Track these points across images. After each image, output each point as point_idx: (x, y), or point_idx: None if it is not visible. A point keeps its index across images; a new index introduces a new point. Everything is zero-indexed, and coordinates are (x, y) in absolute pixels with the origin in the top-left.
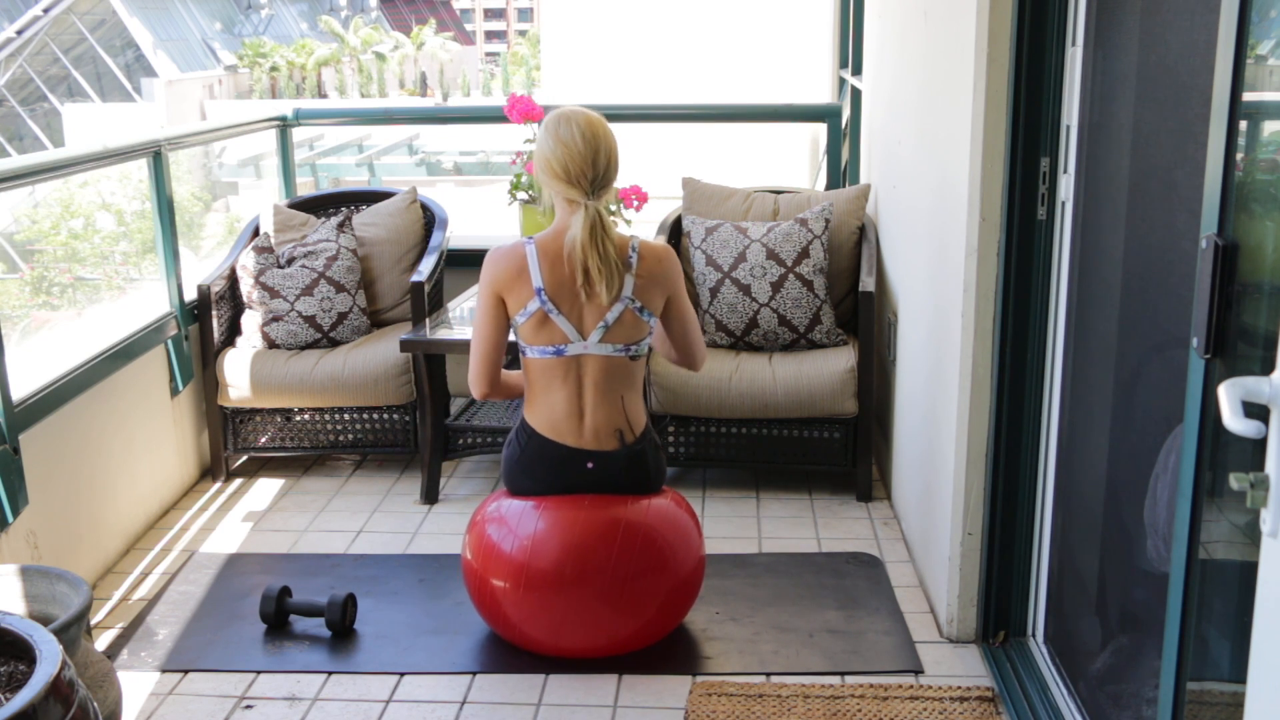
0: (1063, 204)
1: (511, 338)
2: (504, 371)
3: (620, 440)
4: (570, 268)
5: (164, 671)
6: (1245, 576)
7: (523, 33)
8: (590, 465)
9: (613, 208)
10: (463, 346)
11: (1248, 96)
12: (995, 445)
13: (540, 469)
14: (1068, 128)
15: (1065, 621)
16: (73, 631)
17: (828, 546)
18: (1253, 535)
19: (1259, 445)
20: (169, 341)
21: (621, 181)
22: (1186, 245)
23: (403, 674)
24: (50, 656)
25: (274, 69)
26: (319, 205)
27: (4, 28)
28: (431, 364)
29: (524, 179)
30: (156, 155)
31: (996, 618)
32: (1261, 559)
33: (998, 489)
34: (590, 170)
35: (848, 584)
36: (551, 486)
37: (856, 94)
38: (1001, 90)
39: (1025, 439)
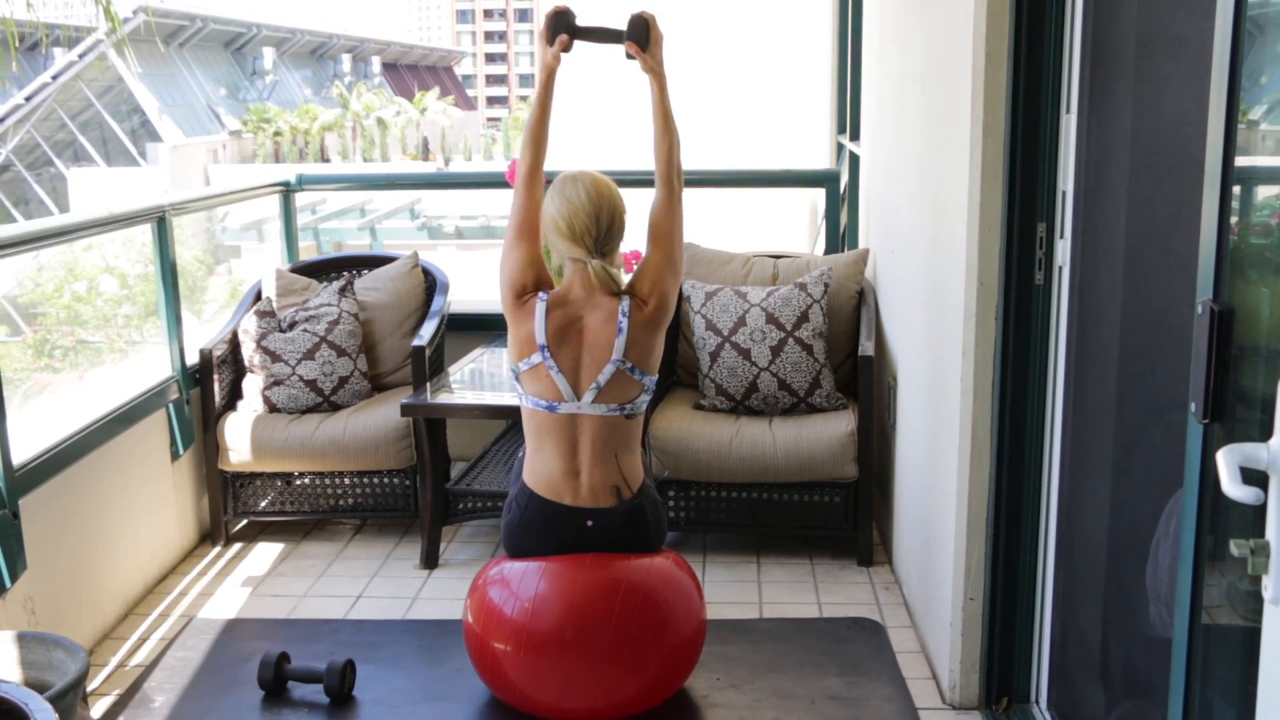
0: (1060, 269)
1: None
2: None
3: (618, 496)
4: (570, 325)
5: None
6: (1249, 642)
7: (524, 98)
8: (590, 524)
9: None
10: (464, 411)
11: (1240, 161)
12: (996, 510)
13: (540, 529)
14: (1064, 193)
15: (1069, 687)
16: (69, 699)
17: (829, 611)
18: (1256, 601)
19: (1259, 510)
20: (170, 405)
21: (622, 246)
22: (1183, 310)
23: None
24: None
25: (277, 134)
26: (321, 269)
27: (13, 94)
28: (432, 428)
29: None
30: (160, 220)
31: (999, 684)
32: (1264, 625)
33: (999, 554)
34: (594, 228)
35: (849, 650)
36: (552, 546)
37: (855, 159)
38: (998, 156)
39: (1026, 503)
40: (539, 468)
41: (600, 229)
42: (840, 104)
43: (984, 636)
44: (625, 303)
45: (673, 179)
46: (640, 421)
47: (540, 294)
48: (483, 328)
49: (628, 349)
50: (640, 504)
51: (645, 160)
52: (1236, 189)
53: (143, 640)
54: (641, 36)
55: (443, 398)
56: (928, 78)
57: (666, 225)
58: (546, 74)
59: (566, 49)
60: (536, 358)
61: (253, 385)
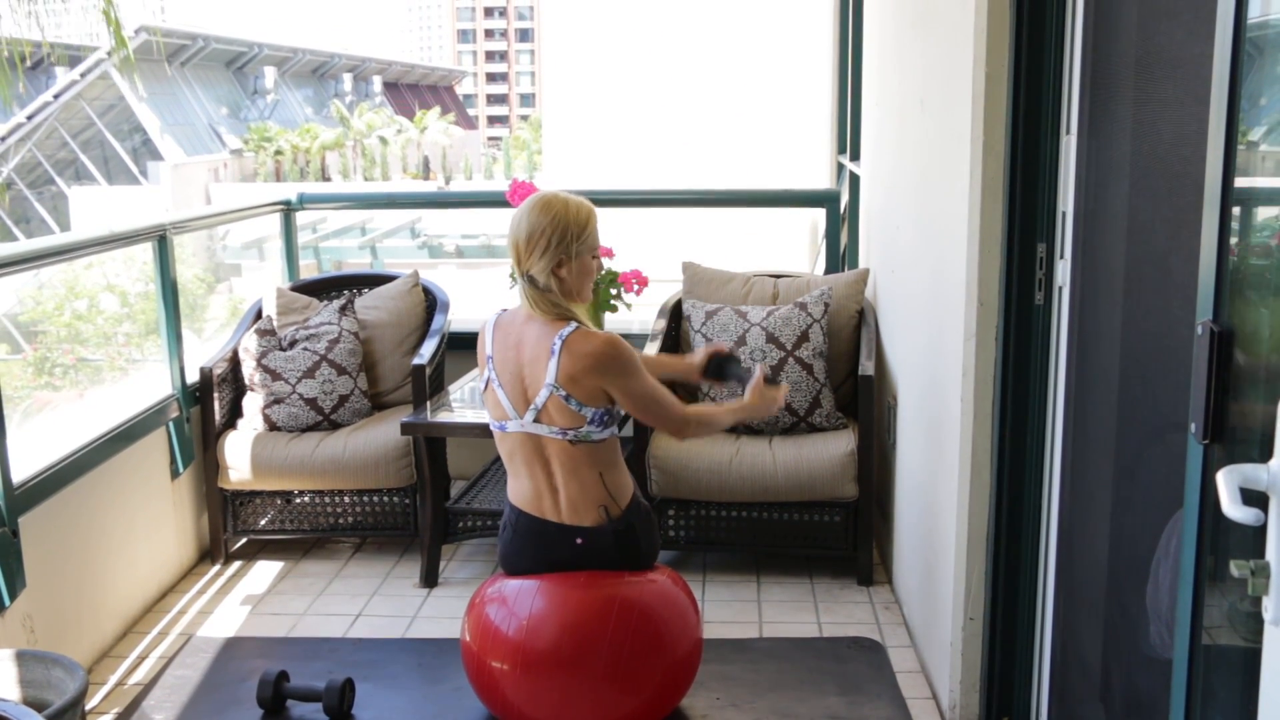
0: (1060, 289)
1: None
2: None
3: (605, 515)
4: (510, 334)
5: None
6: (1249, 662)
7: (524, 118)
8: (579, 541)
9: (614, 291)
10: (464, 430)
11: (1240, 182)
12: (996, 529)
13: (532, 546)
14: (1064, 214)
15: (1069, 707)
16: (68, 717)
17: (829, 631)
18: (1256, 622)
19: (1260, 531)
20: (170, 424)
21: (623, 265)
22: (1183, 331)
23: None
24: None
25: (279, 153)
26: (322, 288)
27: (15, 113)
28: (432, 447)
29: None
30: (161, 239)
31: (999, 704)
32: (1264, 646)
33: (999, 573)
34: (513, 250)
35: (849, 669)
36: (545, 563)
37: (855, 179)
38: (998, 177)
39: (1026, 523)
40: (517, 487)
41: (519, 250)
42: (841, 124)
43: (984, 656)
44: (569, 328)
45: (690, 427)
46: (612, 444)
47: (502, 309)
48: None
49: (559, 374)
50: (629, 525)
51: (665, 179)
52: (1236, 210)
53: (142, 658)
54: (771, 380)
55: (443, 416)
56: (928, 98)
57: (664, 413)
58: (678, 371)
59: (711, 372)
60: (487, 373)
61: (253, 403)
